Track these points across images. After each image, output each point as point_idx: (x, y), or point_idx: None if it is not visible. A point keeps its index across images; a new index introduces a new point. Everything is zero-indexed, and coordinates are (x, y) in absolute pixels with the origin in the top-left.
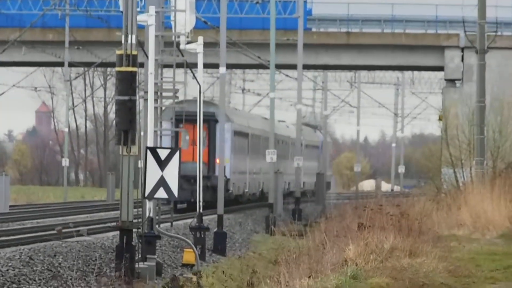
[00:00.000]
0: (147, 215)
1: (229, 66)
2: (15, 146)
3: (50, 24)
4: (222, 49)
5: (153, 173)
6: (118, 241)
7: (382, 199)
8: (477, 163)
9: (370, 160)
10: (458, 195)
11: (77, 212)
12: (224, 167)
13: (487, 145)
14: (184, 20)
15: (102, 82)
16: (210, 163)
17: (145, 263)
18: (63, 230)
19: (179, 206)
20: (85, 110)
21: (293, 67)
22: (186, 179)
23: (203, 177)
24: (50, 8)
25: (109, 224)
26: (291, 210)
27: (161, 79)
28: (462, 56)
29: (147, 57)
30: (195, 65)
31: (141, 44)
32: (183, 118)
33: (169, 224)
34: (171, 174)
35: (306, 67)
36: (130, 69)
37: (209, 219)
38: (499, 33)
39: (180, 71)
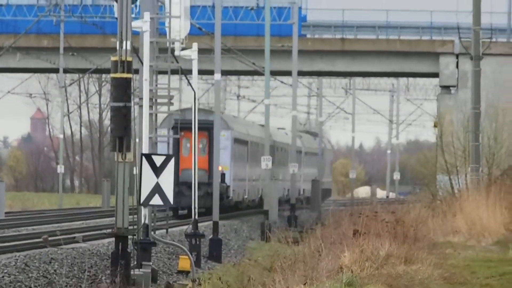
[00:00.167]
0: (143, 221)
1: (224, 73)
2: (10, 152)
3: (45, 30)
4: (217, 55)
5: (148, 180)
6: (113, 248)
7: (377, 206)
8: (472, 169)
9: (365, 167)
10: (453, 202)
11: (73, 219)
12: (224, 174)
13: (482, 152)
14: (179, 26)
15: (97, 89)
16: (210, 170)
17: (140, 270)
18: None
19: (180, 212)
20: (80, 117)
21: (288, 73)
22: (187, 186)
23: (205, 184)
24: (45, 14)
25: (104, 231)
26: (287, 217)
27: (156, 85)
28: (457, 63)
29: (142, 63)
30: (190, 72)
31: (135, 51)
32: (185, 126)
33: (165, 231)
34: (167, 181)
35: (301, 73)
36: (125, 75)
37: (205, 226)
38: (494, 40)
39: (175, 78)
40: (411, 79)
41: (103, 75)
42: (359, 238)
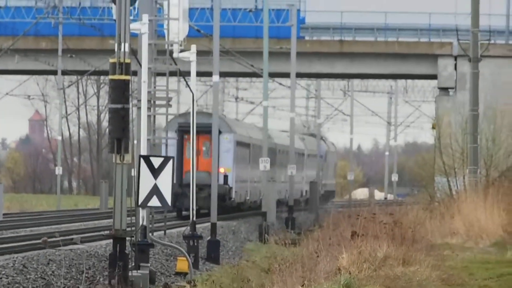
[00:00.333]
0: (141, 223)
1: (222, 75)
2: (8, 154)
3: (43, 32)
4: (215, 57)
5: (146, 182)
6: (111, 249)
7: (375, 207)
8: (471, 171)
9: (363, 169)
10: (451, 203)
11: (71, 220)
12: (227, 176)
13: (480, 154)
14: (177, 28)
15: (95, 90)
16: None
17: (138, 271)
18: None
19: (184, 213)
20: (78, 118)
21: (286, 75)
22: None
23: (208, 185)
24: (43, 16)
25: (102, 233)
26: (284, 218)
27: (154, 87)
28: (455, 65)
29: (140, 65)
30: (188, 74)
31: (134, 53)
32: (188, 129)
33: (163, 232)
34: (165, 183)
35: (299, 75)
36: (123, 77)
37: (203, 227)
38: (492, 42)
39: (173, 80)
40: (409, 81)
41: (102, 77)
42: (357, 239)
